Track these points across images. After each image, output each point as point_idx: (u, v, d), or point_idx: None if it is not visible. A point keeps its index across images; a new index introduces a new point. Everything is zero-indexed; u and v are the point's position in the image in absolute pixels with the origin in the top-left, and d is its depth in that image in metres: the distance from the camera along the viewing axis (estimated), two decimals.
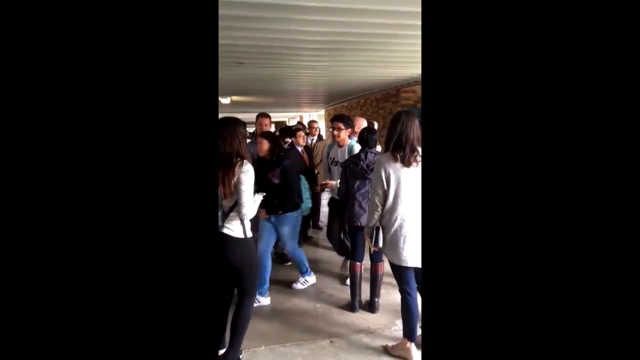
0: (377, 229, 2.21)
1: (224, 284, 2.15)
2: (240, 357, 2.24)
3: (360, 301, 2.91)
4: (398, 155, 2.12)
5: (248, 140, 2.52)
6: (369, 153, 2.76)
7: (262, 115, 3.62)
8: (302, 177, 3.21)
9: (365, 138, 2.80)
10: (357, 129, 3.30)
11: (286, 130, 4.79)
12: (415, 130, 2.15)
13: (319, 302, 3.05)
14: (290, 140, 4.35)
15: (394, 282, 2.32)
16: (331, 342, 2.49)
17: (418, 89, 5.66)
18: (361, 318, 2.79)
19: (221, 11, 1.92)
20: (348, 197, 2.81)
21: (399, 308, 2.30)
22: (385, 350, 2.37)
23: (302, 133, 4.34)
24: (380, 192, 2.17)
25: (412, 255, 2.14)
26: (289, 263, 3.83)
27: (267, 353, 2.35)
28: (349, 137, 3.28)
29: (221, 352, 2.20)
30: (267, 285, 2.98)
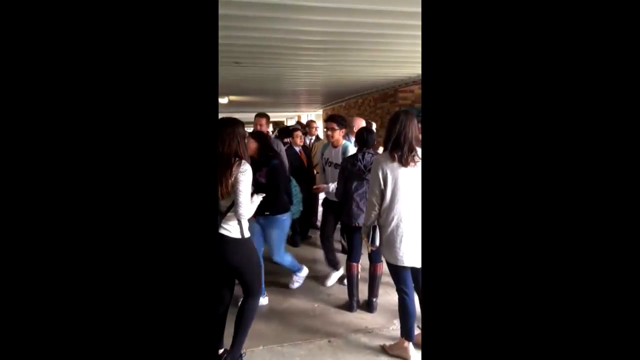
0: (374, 228, 2.21)
1: (223, 284, 2.14)
2: (243, 356, 2.23)
3: (358, 301, 2.92)
4: (396, 155, 2.12)
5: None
6: (366, 153, 2.76)
7: (259, 115, 3.62)
8: (293, 179, 3.15)
9: (365, 138, 2.80)
10: (356, 129, 3.28)
11: (284, 131, 4.79)
12: (413, 130, 2.15)
13: (317, 302, 3.05)
14: (288, 140, 4.35)
15: (392, 282, 2.33)
16: (329, 341, 2.49)
17: (416, 88, 5.66)
18: (359, 318, 2.79)
19: (219, 10, 1.92)
20: (346, 197, 2.82)
21: (397, 308, 2.30)
22: (383, 349, 2.37)
23: (299, 133, 4.34)
24: (377, 191, 2.17)
25: (408, 254, 2.15)
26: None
27: (265, 353, 2.34)
28: (347, 137, 3.27)
29: (220, 351, 2.20)
30: (262, 285, 2.97)
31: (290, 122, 13.27)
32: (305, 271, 3.24)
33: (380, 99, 6.54)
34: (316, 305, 3.01)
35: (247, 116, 5.46)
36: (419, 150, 2.15)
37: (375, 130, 3.31)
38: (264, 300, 2.97)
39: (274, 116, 13.89)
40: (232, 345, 2.12)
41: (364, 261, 2.93)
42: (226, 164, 1.94)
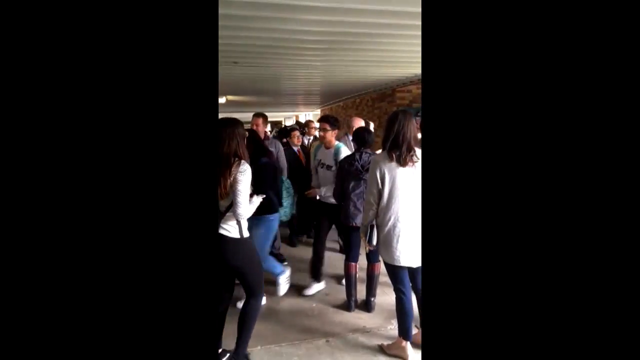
0: (372, 227, 2.21)
1: (223, 284, 2.14)
2: (249, 356, 2.23)
3: (356, 301, 2.92)
4: (394, 155, 2.12)
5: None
6: (364, 153, 2.77)
7: (256, 115, 3.63)
8: (286, 180, 3.05)
9: (363, 138, 2.81)
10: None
11: (284, 131, 4.79)
12: (412, 129, 2.15)
13: (315, 302, 3.05)
14: (286, 140, 4.35)
15: (390, 282, 2.33)
16: (327, 341, 2.49)
17: (413, 88, 5.67)
18: (357, 317, 2.80)
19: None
20: (343, 197, 2.82)
21: (395, 307, 2.31)
22: (381, 349, 2.38)
23: (297, 133, 4.34)
24: (375, 191, 2.17)
25: (405, 254, 2.15)
26: (285, 263, 3.83)
27: (262, 353, 2.35)
28: (346, 136, 3.26)
29: (219, 351, 2.20)
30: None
31: (289, 122, 13.27)
32: (288, 271, 3.02)
33: (378, 98, 6.55)
34: (314, 305, 3.01)
35: (245, 116, 5.45)
36: (417, 151, 2.15)
37: (373, 130, 3.31)
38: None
39: (272, 116, 13.87)
40: (237, 347, 2.11)
41: (362, 261, 2.93)
42: (225, 164, 1.93)
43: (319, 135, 3.14)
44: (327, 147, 3.11)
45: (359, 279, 2.98)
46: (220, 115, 2.09)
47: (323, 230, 3.15)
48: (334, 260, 3.70)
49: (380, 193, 2.16)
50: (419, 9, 2.20)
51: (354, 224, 2.75)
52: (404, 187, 2.13)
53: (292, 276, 3.28)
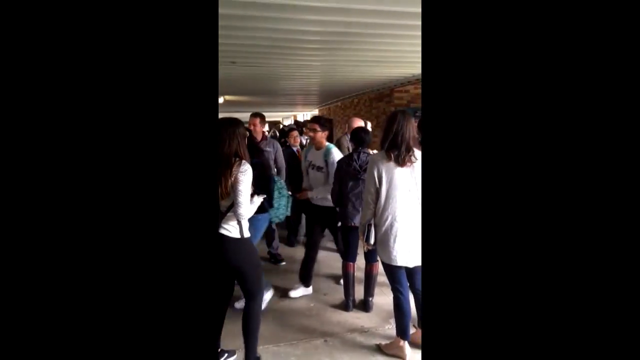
0: (369, 226, 2.22)
1: (222, 284, 2.12)
2: (260, 359, 2.21)
3: (354, 300, 2.93)
4: (392, 154, 2.13)
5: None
6: (361, 153, 2.77)
7: (253, 115, 3.62)
8: (279, 181, 2.91)
9: (361, 137, 2.81)
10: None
11: (283, 132, 4.79)
12: (410, 130, 2.16)
13: (313, 302, 3.05)
14: (284, 140, 4.35)
15: (388, 281, 2.34)
16: (325, 341, 2.50)
17: (411, 88, 5.68)
18: (355, 317, 2.80)
19: None
20: (341, 198, 2.82)
21: (393, 307, 2.32)
22: (379, 348, 2.38)
23: (295, 133, 4.34)
24: (372, 190, 2.18)
25: (402, 254, 2.16)
26: (283, 263, 3.83)
27: (260, 353, 2.34)
28: (346, 135, 3.24)
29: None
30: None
31: (287, 122, 13.27)
32: (270, 293, 2.94)
33: (376, 98, 6.55)
34: (312, 305, 3.01)
35: (243, 116, 5.45)
36: (416, 151, 2.16)
37: (370, 130, 3.32)
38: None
39: (270, 116, 13.85)
40: (246, 351, 2.07)
41: (360, 261, 2.93)
42: (226, 164, 1.92)
43: (309, 136, 3.11)
44: (318, 148, 3.07)
45: (357, 279, 2.98)
46: (223, 116, 2.09)
47: (316, 234, 3.11)
48: (331, 260, 3.70)
49: (377, 192, 2.17)
50: (417, 9, 2.21)
51: (353, 224, 2.75)
52: (402, 186, 2.14)
53: (289, 277, 3.29)
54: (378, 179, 2.15)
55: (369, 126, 3.76)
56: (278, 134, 5.19)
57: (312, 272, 3.16)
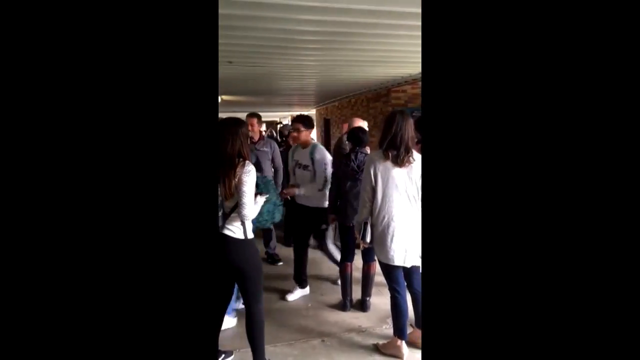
0: (365, 224, 2.22)
1: (224, 284, 2.10)
2: None
3: (351, 300, 2.93)
4: (390, 154, 2.13)
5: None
6: (359, 153, 2.77)
7: (250, 115, 3.62)
8: (268, 185, 2.75)
9: (358, 137, 2.81)
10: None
11: (282, 133, 4.78)
12: (409, 130, 2.17)
13: (310, 302, 3.05)
14: (281, 140, 4.34)
15: (385, 281, 2.34)
16: (323, 341, 2.50)
17: (408, 88, 5.68)
18: (352, 317, 2.80)
19: None
20: (339, 198, 2.82)
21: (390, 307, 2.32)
22: (377, 348, 2.39)
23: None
24: (368, 188, 2.18)
25: (399, 254, 2.16)
26: (281, 263, 3.83)
27: None
28: (345, 133, 3.20)
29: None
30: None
31: (285, 121, 13.26)
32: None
33: (373, 98, 6.56)
34: (309, 305, 3.01)
35: (240, 116, 5.45)
36: (413, 151, 2.17)
37: (367, 130, 3.32)
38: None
39: (268, 116, 13.85)
40: (255, 356, 2.04)
41: (357, 261, 2.94)
42: (229, 164, 1.90)
43: (293, 136, 3.07)
44: (304, 147, 3.04)
45: (355, 279, 2.99)
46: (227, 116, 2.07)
47: (302, 234, 3.08)
48: (328, 261, 3.70)
49: (374, 190, 2.17)
50: (415, 9, 2.22)
51: (351, 224, 2.75)
52: (398, 186, 2.14)
53: (287, 277, 3.28)
54: (374, 177, 2.15)
55: (365, 126, 3.77)
56: (275, 134, 5.19)
57: (306, 272, 3.16)
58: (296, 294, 3.13)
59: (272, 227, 3.72)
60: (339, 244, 3.34)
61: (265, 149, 3.58)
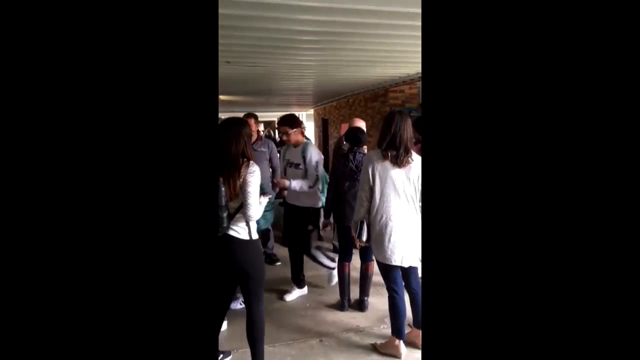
0: (362, 223, 2.22)
1: (227, 285, 2.09)
2: None
3: (349, 300, 2.93)
4: (389, 154, 2.13)
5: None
6: (357, 153, 2.77)
7: (247, 116, 3.61)
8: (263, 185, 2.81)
9: (357, 137, 2.81)
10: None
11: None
12: (408, 130, 2.17)
13: (308, 302, 3.05)
14: (280, 140, 4.34)
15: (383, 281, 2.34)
16: (320, 341, 2.50)
17: (406, 88, 5.69)
18: (350, 317, 2.80)
19: None
20: (337, 198, 2.82)
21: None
22: (375, 348, 2.39)
23: None
24: (366, 187, 2.19)
25: (397, 253, 2.16)
26: (279, 263, 3.83)
27: None
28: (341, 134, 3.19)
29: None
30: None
31: None
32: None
33: (371, 98, 6.56)
34: (307, 305, 3.01)
35: (237, 116, 5.44)
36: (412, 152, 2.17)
37: (365, 130, 3.32)
38: (303, 290, 3.07)
39: (266, 116, 13.83)
40: (254, 356, 2.03)
41: (355, 261, 2.94)
42: (234, 165, 1.88)
43: (284, 140, 3.05)
44: (295, 146, 3.02)
45: (353, 279, 2.99)
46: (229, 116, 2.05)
47: (294, 234, 3.06)
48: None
49: (371, 189, 2.17)
50: (413, 9, 2.22)
51: (349, 224, 2.75)
52: (397, 186, 2.14)
53: (285, 277, 3.28)
54: (372, 176, 2.16)
55: (365, 126, 3.77)
56: (273, 134, 5.18)
57: (304, 272, 3.15)
58: (294, 294, 3.13)
59: (270, 227, 3.74)
60: (336, 243, 3.34)
61: (262, 149, 3.58)
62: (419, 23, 2.46)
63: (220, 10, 2.23)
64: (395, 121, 2.16)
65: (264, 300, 2.07)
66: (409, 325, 2.44)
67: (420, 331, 2.35)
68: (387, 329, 2.51)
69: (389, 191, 2.14)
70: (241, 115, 3.61)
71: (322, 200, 3.06)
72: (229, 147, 1.89)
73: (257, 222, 2.03)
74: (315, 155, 2.92)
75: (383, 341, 2.40)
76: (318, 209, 3.03)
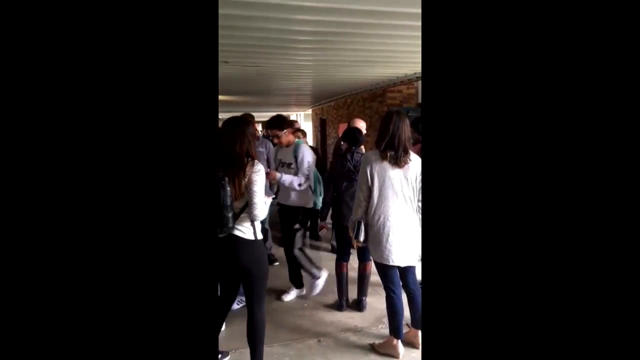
0: (359, 223, 2.22)
1: (230, 285, 2.08)
2: None
3: (347, 300, 2.93)
4: (388, 154, 2.13)
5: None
6: (355, 153, 2.78)
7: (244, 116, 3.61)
8: None
9: (355, 137, 2.81)
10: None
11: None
12: (406, 131, 2.17)
13: (306, 302, 3.05)
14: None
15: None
16: (318, 341, 2.50)
17: (404, 88, 5.70)
18: (348, 317, 2.80)
19: None
20: (335, 198, 2.82)
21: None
22: (373, 348, 2.39)
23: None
24: (364, 187, 2.19)
25: (394, 253, 2.16)
26: (277, 263, 3.83)
27: None
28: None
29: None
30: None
31: None
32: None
33: (369, 98, 6.57)
34: (305, 305, 3.01)
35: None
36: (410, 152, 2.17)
37: (363, 130, 3.32)
38: (301, 290, 3.06)
39: (264, 116, 13.80)
40: (253, 356, 2.02)
41: (353, 261, 2.94)
42: (239, 164, 1.87)
43: (274, 142, 3.05)
44: (287, 146, 3.02)
45: (350, 279, 2.99)
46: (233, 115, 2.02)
47: (289, 235, 3.03)
48: (325, 260, 3.70)
49: (369, 190, 2.17)
50: (411, 9, 2.22)
51: (347, 224, 2.76)
52: (395, 186, 2.15)
53: (283, 277, 3.28)
54: (370, 177, 2.16)
55: (365, 126, 3.77)
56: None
57: (301, 272, 3.15)
58: (292, 294, 3.13)
59: (268, 227, 3.73)
60: (334, 243, 3.34)
61: (260, 149, 3.58)
62: (417, 23, 2.48)
63: (219, 10, 2.23)
64: (393, 121, 2.16)
65: (265, 301, 2.06)
66: (406, 324, 2.44)
67: (418, 331, 2.35)
68: (385, 329, 2.52)
69: (387, 191, 2.15)
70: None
71: (314, 200, 3.05)
72: (234, 147, 1.87)
73: (262, 222, 2.03)
74: (307, 154, 2.91)
75: (381, 341, 2.40)
76: (309, 210, 3.02)
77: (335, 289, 2.97)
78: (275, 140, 2.99)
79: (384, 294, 2.33)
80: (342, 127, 4.22)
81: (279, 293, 3.14)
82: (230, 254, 1.92)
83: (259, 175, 1.87)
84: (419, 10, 2.15)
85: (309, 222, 3.08)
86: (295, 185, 2.85)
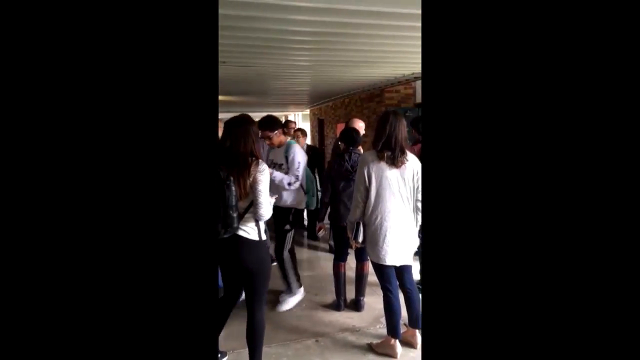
0: (358, 224, 2.22)
1: (234, 286, 2.08)
2: None
3: (345, 300, 2.93)
4: (385, 155, 2.14)
5: None
6: (353, 153, 2.78)
7: None
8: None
9: (353, 137, 2.82)
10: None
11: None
12: (403, 131, 2.17)
13: (304, 302, 3.05)
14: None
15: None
16: (316, 341, 2.50)
17: (402, 88, 5.72)
18: (346, 317, 2.81)
19: None
20: (333, 198, 2.82)
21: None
22: (370, 348, 2.39)
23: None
24: (362, 188, 2.19)
25: (391, 254, 2.17)
26: (274, 263, 3.83)
27: None
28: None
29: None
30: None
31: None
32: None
33: (366, 98, 6.57)
34: (303, 305, 3.01)
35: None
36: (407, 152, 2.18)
37: (361, 131, 3.32)
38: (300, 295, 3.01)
39: (262, 116, 13.77)
40: (252, 357, 2.01)
41: (351, 261, 2.94)
42: (243, 164, 1.85)
43: (267, 144, 3.03)
44: (279, 147, 3.01)
45: (348, 279, 2.99)
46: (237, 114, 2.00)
47: (279, 236, 3.01)
48: (322, 260, 3.71)
49: (367, 190, 2.17)
50: (409, 10, 2.23)
51: (344, 224, 2.76)
52: (392, 187, 2.15)
53: (280, 275, 3.28)
54: (368, 177, 2.16)
55: (364, 126, 3.77)
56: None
57: (299, 272, 3.14)
58: (289, 302, 3.08)
59: (266, 227, 3.72)
60: (332, 243, 3.34)
61: None
62: (415, 24, 2.48)
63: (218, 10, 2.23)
64: (389, 121, 2.16)
65: (265, 303, 2.05)
66: (404, 324, 2.44)
67: (416, 330, 2.36)
68: (383, 329, 2.52)
69: (384, 192, 2.15)
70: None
71: (307, 201, 3.03)
72: (238, 146, 1.85)
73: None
74: (298, 154, 2.90)
75: (379, 341, 2.41)
76: (300, 210, 3.01)
77: (333, 289, 2.97)
78: (267, 142, 2.98)
79: (381, 293, 2.33)
80: (340, 127, 4.23)
81: (277, 294, 3.14)
82: (234, 254, 1.91)
83: (263, 175, 1.86)
84: (418, 11, 2.16)
85: (305, 222, 3.05)
86: (285, 184, 2.84)
